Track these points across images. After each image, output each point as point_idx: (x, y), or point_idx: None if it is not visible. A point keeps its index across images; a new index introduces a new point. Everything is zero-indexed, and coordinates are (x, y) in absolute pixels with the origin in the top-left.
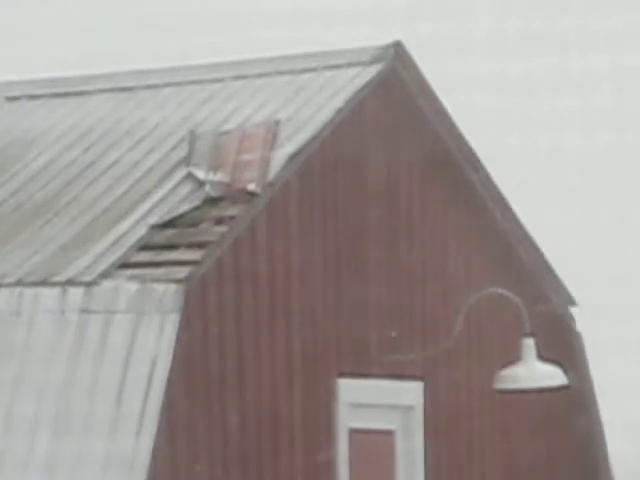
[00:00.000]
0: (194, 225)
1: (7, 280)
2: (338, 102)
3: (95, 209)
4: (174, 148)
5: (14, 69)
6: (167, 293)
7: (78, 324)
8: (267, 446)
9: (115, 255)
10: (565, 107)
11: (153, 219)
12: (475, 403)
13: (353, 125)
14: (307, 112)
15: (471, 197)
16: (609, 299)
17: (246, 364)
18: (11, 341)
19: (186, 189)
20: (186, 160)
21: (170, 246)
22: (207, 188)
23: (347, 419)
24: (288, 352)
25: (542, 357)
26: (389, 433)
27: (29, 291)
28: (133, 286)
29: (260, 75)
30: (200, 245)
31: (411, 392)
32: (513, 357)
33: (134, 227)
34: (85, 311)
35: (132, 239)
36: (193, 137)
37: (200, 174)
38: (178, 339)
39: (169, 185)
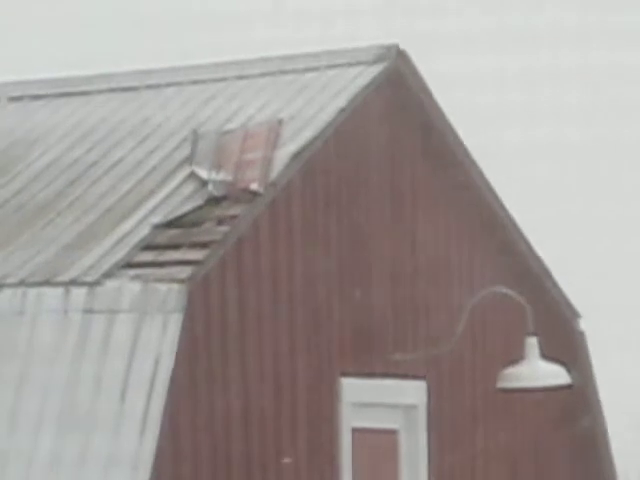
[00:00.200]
0: (197, 225)
1: (10, 280)
2: (341, 101)
3: (98, 209)
4: (177, 148)
5: (16, 69)
6: (170, 293)
7: (81, 324)
8: (270, 445)
9: (118, 255)
10: (564, 102)
11: (156, 219)
12: (478, 402)
13: (356, 124)
14: (310, 111)
15: (474, 195)
16: (611, 298)
17: (249, 364)
18: (14, 341)
19: (189, 189)
20: (189, 159)
21: (173, 246)
22: (210, 187)
23: (350, 418)
24: (291, 351)
25: (545, 356)
26: (392, 432)
27: (32, 291)
28: (136, 286)
29: (263, 74)
30: (203, 245)
31: (414, 391)
32: (516, 356)
33: (137, 227)
34: (88, 311)
35: (135, 239)
36: (196, 136)
37: (203, 173)
38: (181, 339)
39: (172, 185)
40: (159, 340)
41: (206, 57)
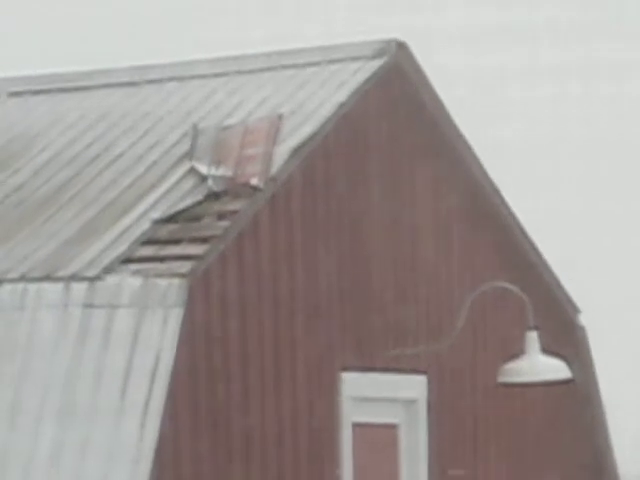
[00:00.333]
0: (197, 220)
1: (10, 275)
2: (341, 96)
3: (98, 204)
4: (177, 143)
5: (16, 65)
6: (170, 288)
7: (81, 319)
8: (271, 439)
9: (118, 250)
10: (567, 96)
11: (156, 214)
12: (479, 397)
13: (356, 119)
14: (310, 106)
15: (474, 190)
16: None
17: (249, 358)
18: (14, 336)
19: (189, 184)
20: (189, 155)
21: (173, 241)
22: (210, 183)
23: (351, 413)
24: (291, 346)
25: (546, 351)
26: (393, 427)
27: (32, 286)
28: (136, 281)
29: (263, 69)
30: (203, 240)
31: (415, 386)
32: (517, 351)
33: (137, 222)
34: (88, 306)
35: (135, 234)
36: (196, 132)
37: (203, 169)
38: (181, 333)
39: (172, 180)
40: (159, 335)
41: (208, 52)
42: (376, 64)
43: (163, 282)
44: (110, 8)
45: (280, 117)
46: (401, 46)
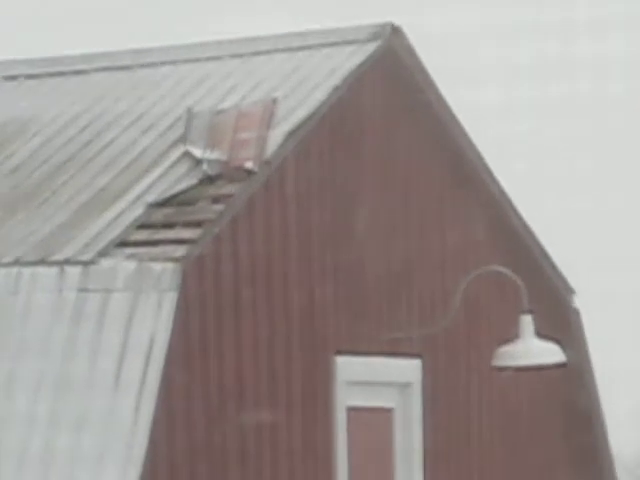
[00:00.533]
0: (191, 204)
1: (5, 260)
2: (335, 80)
3: (92, 188)
4: (171, 127)
5: (11, 48)
6: (165, 272)
7: (76, 303)
8: (265, 424)
9: (113, 234)
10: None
11: (150, 198)
12: (473, 380)
13: (350, 103)
14: (304, 90)
15: (468, 174)
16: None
17: (243, 342)
18: (9, 321)
19: (183, 168)
20: (183, 139)
21: (167, 225)
22: (204, 167)
23: (345, 397)
24: (286, 330)
25: (540, 334)
26: (387, 411)
27: (27, 270)
28: (131, 265)
29: (257, 53)
30: (197, 224)
31: (409, 369)
32: (511, 334)
33: (131, 206)
34: (83, 290)
35: (129, 218)
36: (190, 115)
37: (197, 152)
38: (175, 317)
39: (166, 164)
40: (154, 319)
41: (202, 37)
42: (370, 48)
43: (157, 266)
44: None
45: (274, 101)
46: (395, 30)
